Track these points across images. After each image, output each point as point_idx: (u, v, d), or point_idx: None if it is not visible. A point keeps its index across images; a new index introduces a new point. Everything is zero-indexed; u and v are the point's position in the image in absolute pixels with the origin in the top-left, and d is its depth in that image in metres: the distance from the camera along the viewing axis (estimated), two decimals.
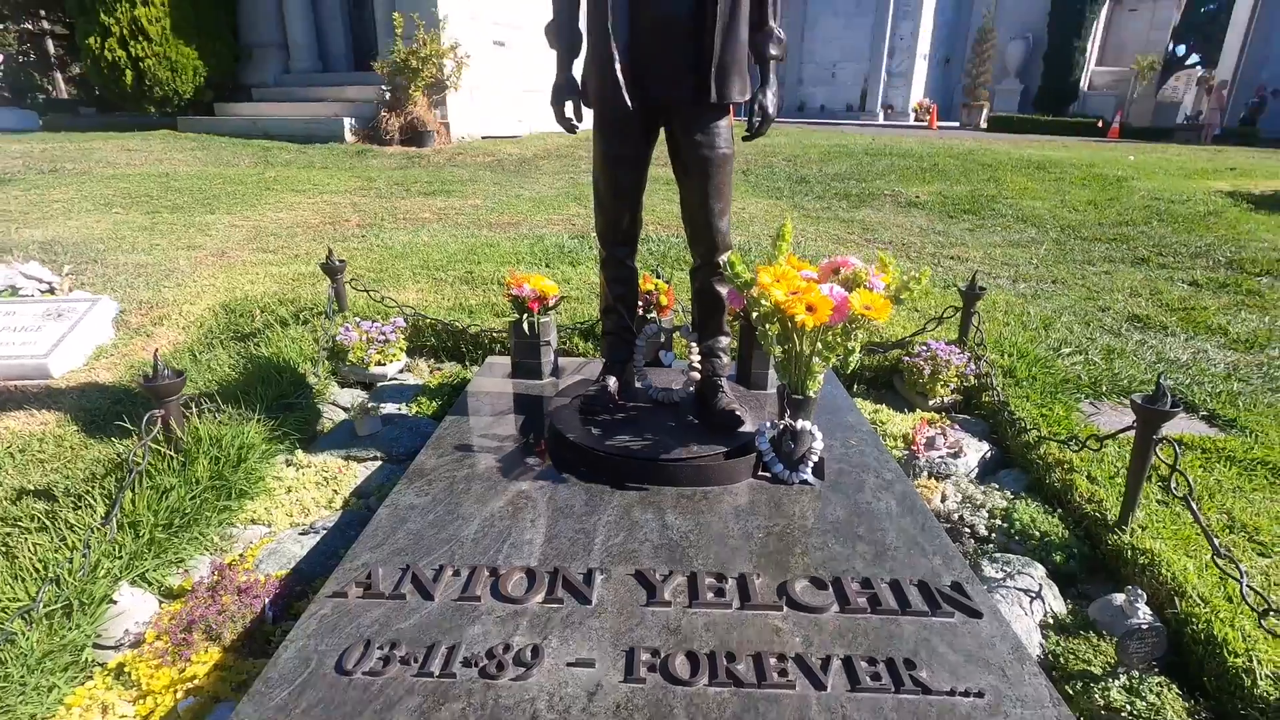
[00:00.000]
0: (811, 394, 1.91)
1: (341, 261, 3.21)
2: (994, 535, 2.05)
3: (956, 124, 21.91)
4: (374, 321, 3.09)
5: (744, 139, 2.06)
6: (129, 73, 10.66)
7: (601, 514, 1.79)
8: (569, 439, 2.03)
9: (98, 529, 1.76)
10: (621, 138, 2.02)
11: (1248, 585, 1.57)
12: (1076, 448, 2.22)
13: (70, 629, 1.53)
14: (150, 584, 1.76)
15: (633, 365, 2.31)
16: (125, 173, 7.60)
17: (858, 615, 1.45)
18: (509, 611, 1.44)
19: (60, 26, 16.89)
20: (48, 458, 2.33)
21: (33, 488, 2.13)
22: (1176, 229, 6.12)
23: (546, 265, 4.43)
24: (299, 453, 2.45)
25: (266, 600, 1.68)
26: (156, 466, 1.99)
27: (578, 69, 2.05)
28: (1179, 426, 2.70)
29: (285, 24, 11.93)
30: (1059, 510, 2.10)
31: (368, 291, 3.32)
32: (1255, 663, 1.47)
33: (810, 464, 1.95)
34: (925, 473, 2.39)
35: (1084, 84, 25.23)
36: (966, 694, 1.25)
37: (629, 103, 1.89)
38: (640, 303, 2.53)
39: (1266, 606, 1.53)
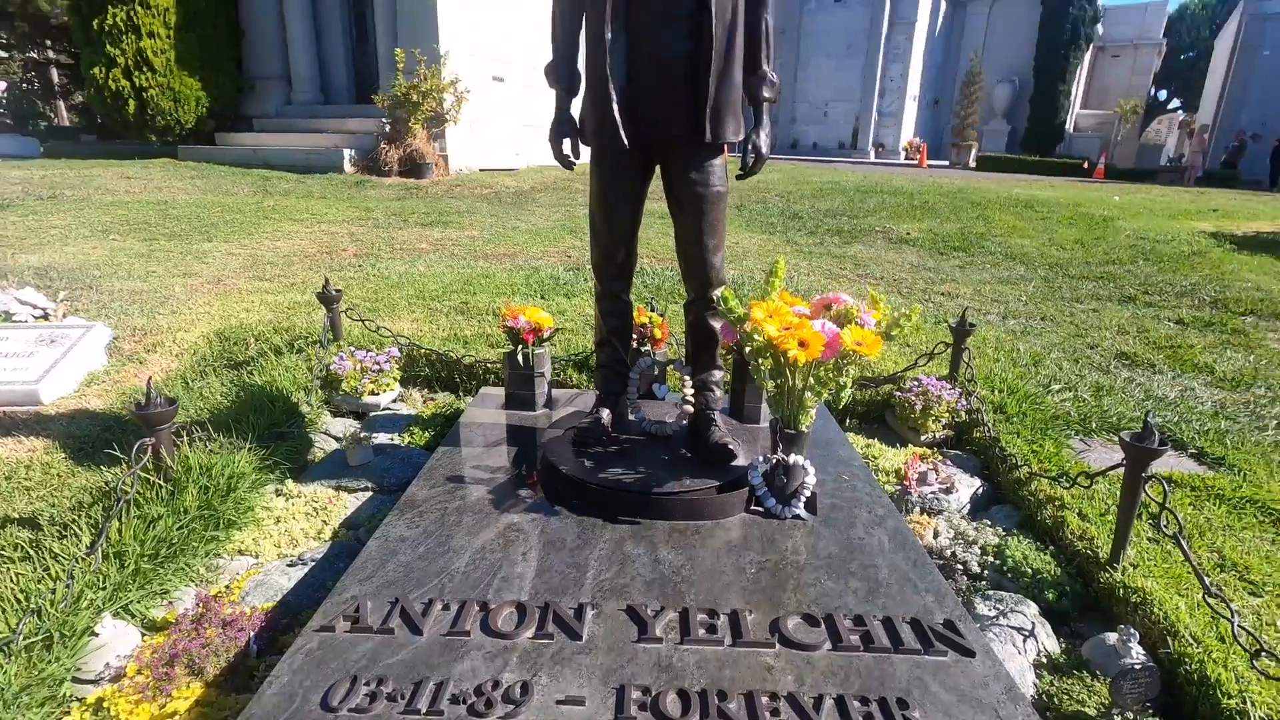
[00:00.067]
0: (804, 428, 1.92)
1: (338, 291, 3.23)
2: (986, 572, 2.04)
3: (946, 163, 22.38)
4: (368, 351, 3.10)
5: (738, 177, 2.11)
6: (132, 102, 10.81)
7: (593, 548, 1.78)
8: (562, 471, 2.02)
9: (82, 559, 1.73)
10: (618, 174, 2.06)
11: (1240, 625, 1.57)
12: (1067, 484, 2.23)
13: (50, 662, 1.50)
14: (133, 616, 1.73)
15: (626, 398, 2.32)
16: (124, 200, 7.65)
17: (850, 653, 1.44)
18: (499, 647, 1.42)
19: (65, 56, 17.15)
20: (34, 485, 2.31)
21: (17, 516, 2.10)
22: (1162, 268, 6.23)
23: (542, 296, 4.46)
24: (289, 482, 2.43)
25: (251, 634, 1.65)
26: (145, 495, 1.98)
27: (576, 107, 2.11)
28: (1168, 464, 2.72)
29: (289, 57, 12.18)
30: (1051, 547, 2.10)
31: (363, 321, 3.33)
32: (1249, 704, 1.46)
33: (803, 499, 1.95)
34: (918, 508, 2.39)
35: (1069, 126, 25.92)
36: None
37: (626, 141, 1.93)
38: (635, 336, 2.55)
39: (1259, 647, 1.53)
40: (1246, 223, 8.96)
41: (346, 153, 10.41)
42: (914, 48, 25.22)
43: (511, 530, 1.85)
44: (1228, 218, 9.45)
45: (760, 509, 1.96)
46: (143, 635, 1.69)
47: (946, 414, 2.83)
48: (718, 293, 2.08)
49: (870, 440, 2.88)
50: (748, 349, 1.85)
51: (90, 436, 2.62)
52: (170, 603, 1.82)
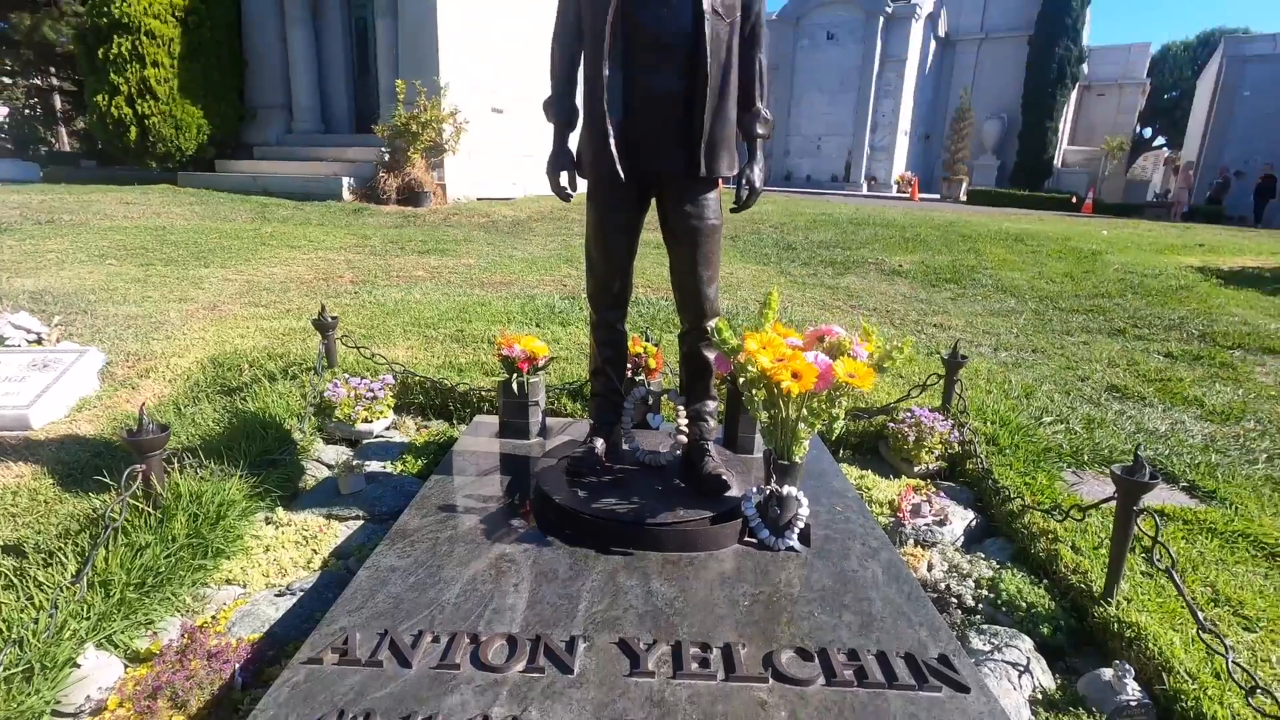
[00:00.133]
0: (797, 459, 1.93)
1: (334, 318, 3.24)
2: (981, 606, 2.03)
3: (937, 196, 22.74)
4: (362, 378, 3.10)
5: (732, 211, 2.14)
6: (134, 129, 10.93)
7: (585, 579, 1.77)
8: (554, 501, 2.02)
9: (67, 588, 1.71)
10: (614, 207, 2.10)
11: (1234, 661, 1.56)
12: (1060, 517, 2.23)
13: (29, 694, 1.47)
14: (117, 646, 1.70)
15: (621, 427, 2.33)
16: (122, 225, 7.68)
17: (844, 688, 1.42)
18: (489, 680, 1.40)
19: (69, 83, 17.35)
20: (20, 512, 2.28)
21: (3, 544, 2.07)
22: (1150, 301, 6.31)
23: (537, 325, 4.48)
24: (279, 510, 2.41)
25: (237, 666, 1.62)
26: (133, 523, 1.96)
27: (573, 141, 2.15)
28: (1160, 497, 2.72)
29: (291, 87, 12.37)
30: (1045, 580, 2.10)
31: (358, 348, 3.34)
32: None
33: (796, 530, 1.95)
34: (911, 540, 2.39)
35: (1057, 161, 26.44)
36: None
37: (623, 174, 1.97)
38: (629, 365, 2.56)
39: (1254, 684, 1.52)
40: (1232, 257, 9.11)
41: (345, 181, 10.51)
42: (905, 84, 25.79)
43: (503, 560, 1.84)
44: (1213, 252, 9.61)
45: (754, 540, 1.96)
46: (126, 667, 1.66)
47: (939, 445, 2.84)
48: (712, 323, 2.10)
49: (864, 471, 2.88)
50: (741, 380, 1.86)
51: (79, 462, 2.60)
52: (155, 633, 1.79)
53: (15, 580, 1.82)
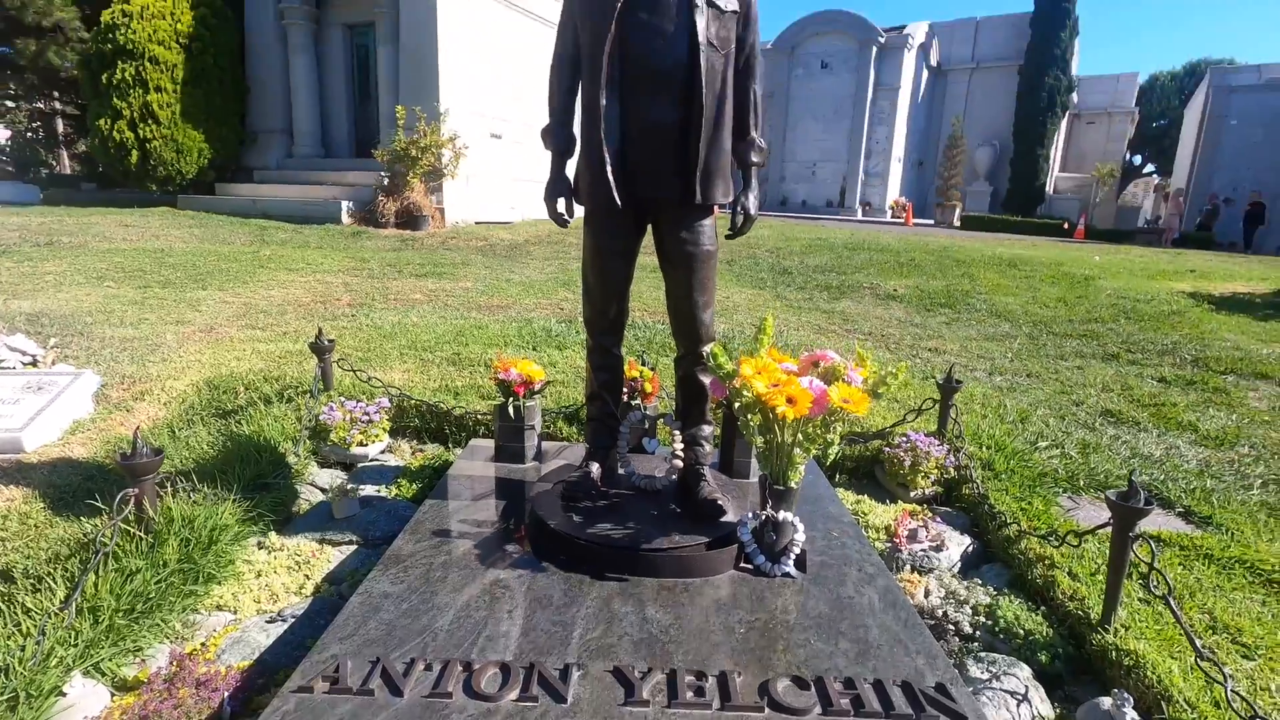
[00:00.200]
0: (793, 484, 1.92)
1: (330, 341, 3.25)
2: (978, 633, 2.02)
3: (931, 221, 22.98)
4: (358, 401, 3.09)
5: (727, 237, 2.17)
6: (135, 153, 11.03)
7: (580, 605, 1.76)
8: (549, 526, 2.01)
9: (55, 614, 1.69)
10: (611, 233, 2.12)
11: (1233, 690, 1.55)
12: (1056, 543, 2.22)
13: None
14: (105, 674, 1.68)
15: (616, 452, 2.32)
16: (120, 247, 7.71)
17: (841, 718, 1.41)
18: (481, 710, 1.39)
19: (72, 107, 17.53)
20: (10, 536, 2.26)
21: None
22: (1143, 327, 6.35)
23: (534, 348, 4.49)
24: (272, 535, 2.39)
25: (226, 694, 1.60)
26: (124, 548, 1.94)
27: (571, 168, 2.18)
28: (1156, 522, 2.72)
29: (292, 113, 12.53)
30: (1042, 607, 2.08)
31: (354, 371, 3.34)
32: None
33: (792, 556, 1.94)
34: (908, 566, 2.37)
35: (1049, 188, 26.80)
36: None
37: (619, 201, 2.00)
38: (625, 389, 2.56)
39: (1254, 713, 1.51)
40: (1223, 283, 9.20)
41: (344, 204, 10.59)
42: (898, 112, 26.21)
43: (497, 587, 1.83)
44: (1205, 278, 9.70)
45: (749, 566, 1.95)
46: (113, 695, 1.63)
47: (935, 470, 2.84)
48: (707, 348, 2.11)
49: (860, 496, 2.88)
50: (736, 405, 1.87)
51: (71, 486, 2.58)
52: (143, 661, 1.76)
53: (3, 606, 1.80)
